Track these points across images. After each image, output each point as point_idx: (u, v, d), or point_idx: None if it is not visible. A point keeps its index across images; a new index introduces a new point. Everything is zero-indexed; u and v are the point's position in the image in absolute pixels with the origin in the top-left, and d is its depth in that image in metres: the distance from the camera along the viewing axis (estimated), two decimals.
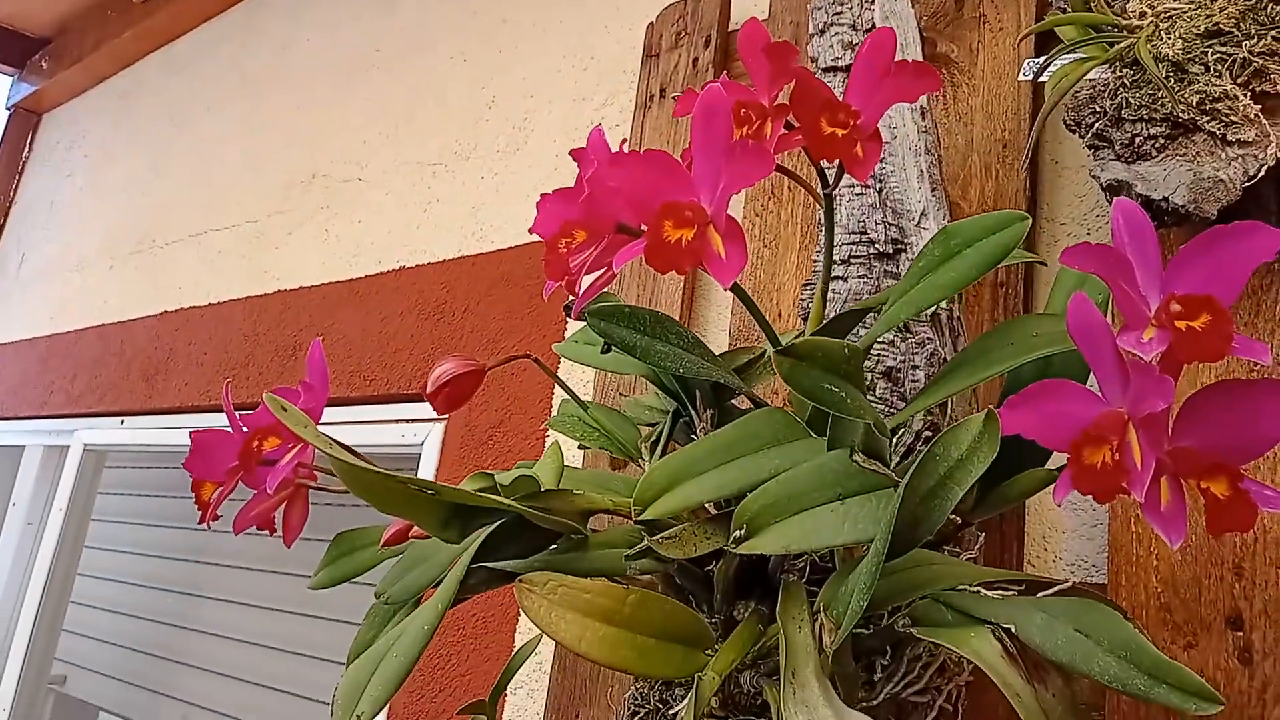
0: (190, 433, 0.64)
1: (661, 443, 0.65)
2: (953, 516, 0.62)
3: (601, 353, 0.62)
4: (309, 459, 0.70)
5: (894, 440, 0.64)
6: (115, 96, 2.67)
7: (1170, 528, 0.40)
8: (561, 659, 1.00)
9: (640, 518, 0.56)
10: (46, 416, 2.22)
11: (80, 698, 2.30)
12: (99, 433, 2.02)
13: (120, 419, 1.96)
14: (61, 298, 2.45)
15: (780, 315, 0.94)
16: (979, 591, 0.47)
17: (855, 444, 0.50)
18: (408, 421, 1.41)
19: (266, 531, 0.73)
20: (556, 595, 0.51)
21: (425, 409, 1.39)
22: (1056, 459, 0.50)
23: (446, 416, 1.45)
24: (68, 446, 2.15)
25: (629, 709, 0.59)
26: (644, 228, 0.47)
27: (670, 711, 0.50)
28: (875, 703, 0.54)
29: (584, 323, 0.71)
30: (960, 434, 0.44)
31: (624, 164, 0.47)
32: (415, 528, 0.60)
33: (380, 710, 0.46)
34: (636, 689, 0.61)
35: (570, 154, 0.53)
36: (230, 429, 0.66)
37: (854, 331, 0.60)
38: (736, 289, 0.52)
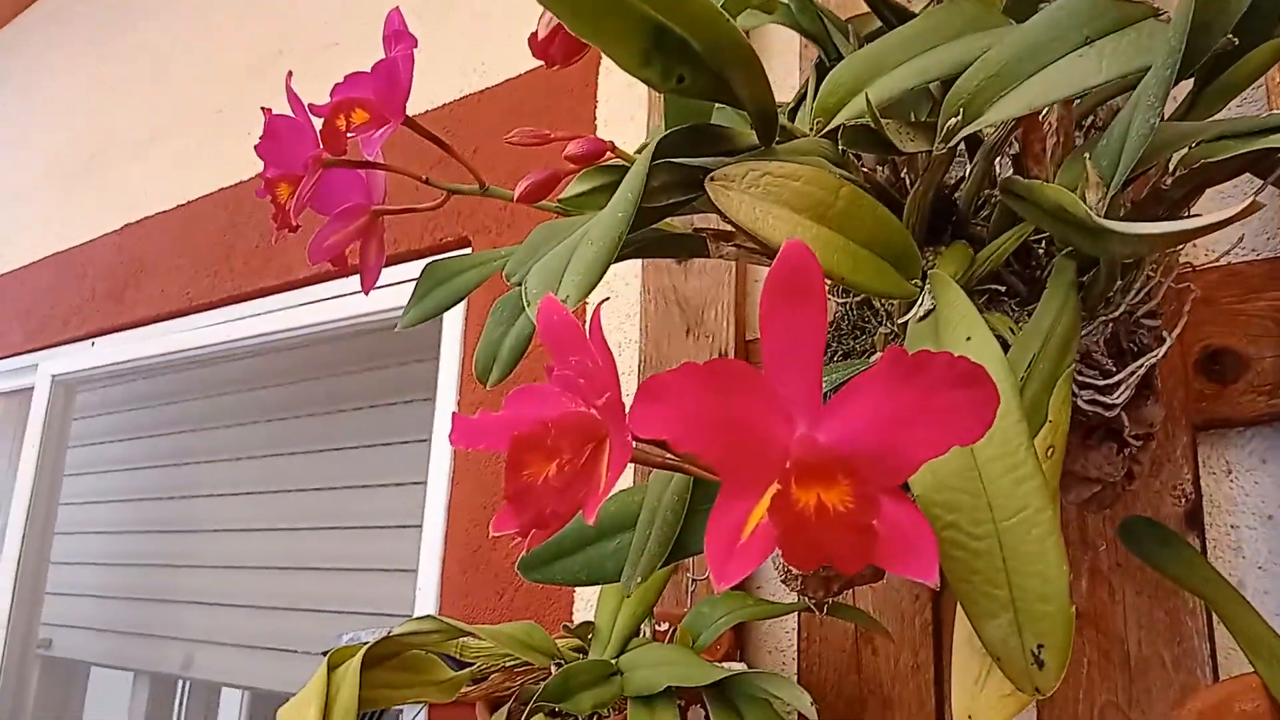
0: (262, 109, 0.54)
1: (808, 97, 0.56)
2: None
3: None
4: (379, 153, 0.60)
5: None
6: (39, 22, 2.48)
7: None
8: None
9: (828, 129, 0.48)
10: (3, 357, 2.06)
11: (69, 657, 2.16)
12: (67, 359, 1.87)
13: (90, 341, 1.82)
14: (4, 235, 2.27)
15: None
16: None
17: None
18: None
19: (337, 268, 0.63)
20: (760, 187, 0.43)
21: None
22: None
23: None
24: (32, 386, 2.00)
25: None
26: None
27: (908, 315, 0.42)
28: (1114, 315, 0.47)
29: None
30: None
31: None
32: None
33: (586, 295, 0.37)
34: None
35: None
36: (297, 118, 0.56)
37: None
38: None
